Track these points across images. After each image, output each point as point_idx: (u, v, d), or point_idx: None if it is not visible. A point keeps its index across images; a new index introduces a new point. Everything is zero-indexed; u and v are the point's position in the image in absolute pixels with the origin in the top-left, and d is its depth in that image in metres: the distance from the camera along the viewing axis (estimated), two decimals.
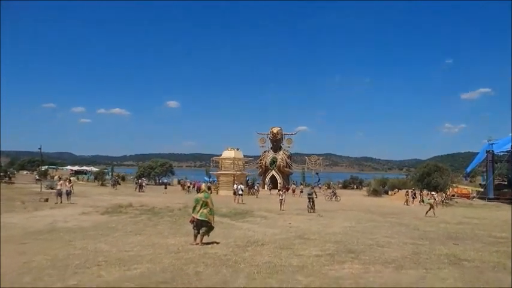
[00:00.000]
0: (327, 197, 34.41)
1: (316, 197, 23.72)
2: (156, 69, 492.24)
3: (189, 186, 42.54)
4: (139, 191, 38.97)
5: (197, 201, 10.52)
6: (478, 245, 11.93)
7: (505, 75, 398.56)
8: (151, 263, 7.95)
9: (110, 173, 67.98)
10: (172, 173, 67.39)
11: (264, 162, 57.24)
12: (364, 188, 53.69)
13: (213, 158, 48.49)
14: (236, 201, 27.66)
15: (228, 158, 41.30)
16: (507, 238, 13.74)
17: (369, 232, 14.07)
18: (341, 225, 15.99)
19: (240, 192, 28.31)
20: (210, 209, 10.49)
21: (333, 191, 36.52)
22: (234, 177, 38.22)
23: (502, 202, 38.71)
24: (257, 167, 58.52)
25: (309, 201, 22.37)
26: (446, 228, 16.24)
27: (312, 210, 21.76)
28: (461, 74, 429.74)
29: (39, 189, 31.82)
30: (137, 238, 11.32)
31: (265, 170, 57.22)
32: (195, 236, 10.45)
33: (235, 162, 41.09)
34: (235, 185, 30.27)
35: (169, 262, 8.02)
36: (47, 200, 23.31)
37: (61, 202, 22.15)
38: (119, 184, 45.88)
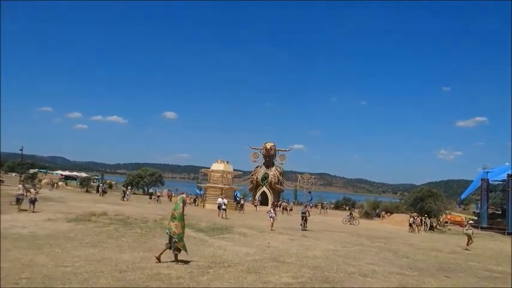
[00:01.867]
0: (344, 220, 33.11)
1: (309, 216, 23.58)
2: (155, 79, 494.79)
3: (158, 196, 42.31)
4: (123, 200, 37.58)
5: (171, 212, 9.33)
6: (471, 279, 10.73)
7: (501, 105, 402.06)
8: (83, 283, 6.65)
9: (100, 180, 66.37)
10: (162, 183, 65.74)
11: (255, 178, 55.92)
12: (356, 210, 52.37)
13: (202, 170, 47.09)
14: (220, 215, 26.38)
15: (217, 171, 39.89)
16: (503, 273, 12.56)
17: (353, 257, 12.84)
18: (324, 248, 14.75)
19: (224, 206, 26.95)
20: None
21: (350, 214, 35.00)
22: (222, 191, 36.80)
23: (495, 232, 37.73)
24: (249, 182, 57.21)
25: (302, 219, 22.31)
26: (437, 257, 15.06)
27: (304, 229, 21.61)
28: (458, 101, 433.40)
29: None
30: (89, 251, 9.94)
31: (256, 186, 55.86)
32: (161, 251, 9.07)
33: (224, 175, 39.67)
34: (219, 199, 28.88)
35: (106, 283, 6.72)
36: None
37: (20, 210, 20.73)
38: (106, 192, 44.36)
